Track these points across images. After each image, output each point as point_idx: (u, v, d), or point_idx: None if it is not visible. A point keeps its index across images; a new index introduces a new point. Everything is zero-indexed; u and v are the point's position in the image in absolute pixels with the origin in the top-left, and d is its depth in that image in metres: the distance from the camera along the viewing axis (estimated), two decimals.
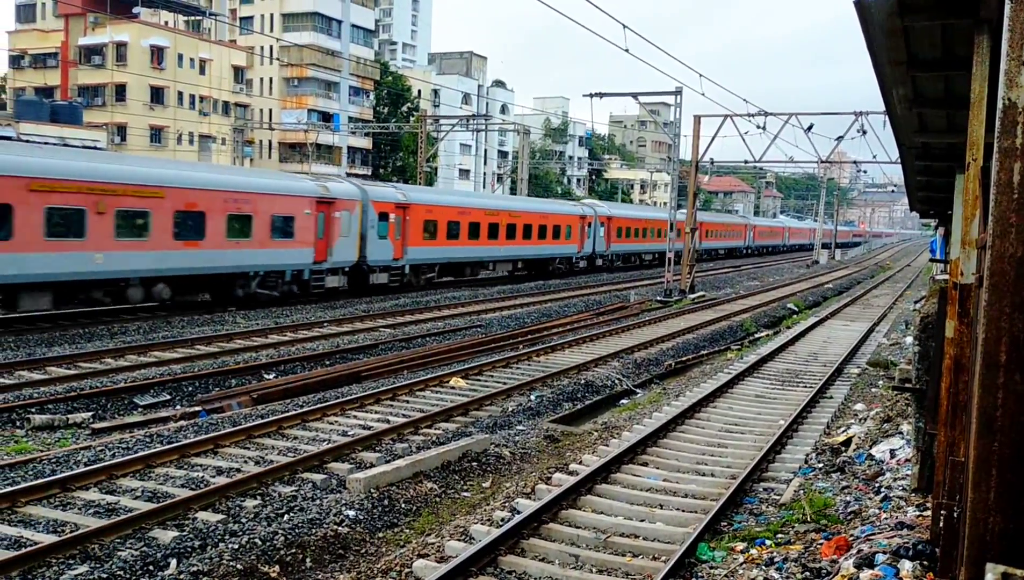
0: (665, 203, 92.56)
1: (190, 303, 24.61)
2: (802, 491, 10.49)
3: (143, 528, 8.90)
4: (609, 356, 20.78)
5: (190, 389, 15.81)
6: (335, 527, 9.18)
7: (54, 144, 22.39)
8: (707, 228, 67.13)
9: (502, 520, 9.44)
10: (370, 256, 30.29)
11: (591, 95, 36.81)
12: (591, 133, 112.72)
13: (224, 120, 67.68)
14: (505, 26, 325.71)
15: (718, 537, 9.12)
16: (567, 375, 18.51)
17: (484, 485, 11.29)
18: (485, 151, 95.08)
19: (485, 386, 17.09)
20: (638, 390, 18.92)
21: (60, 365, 16.89)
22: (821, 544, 8.27)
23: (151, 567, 7.98)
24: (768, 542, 8.68)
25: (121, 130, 61.31)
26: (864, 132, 35.52)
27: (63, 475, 10.15)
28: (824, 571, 7.51)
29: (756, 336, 27.18)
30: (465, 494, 10.94)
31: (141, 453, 11.22)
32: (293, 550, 8.58)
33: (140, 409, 14.60)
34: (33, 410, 13.58)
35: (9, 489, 9.59)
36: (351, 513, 9.58)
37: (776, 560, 8.03)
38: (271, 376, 17.32)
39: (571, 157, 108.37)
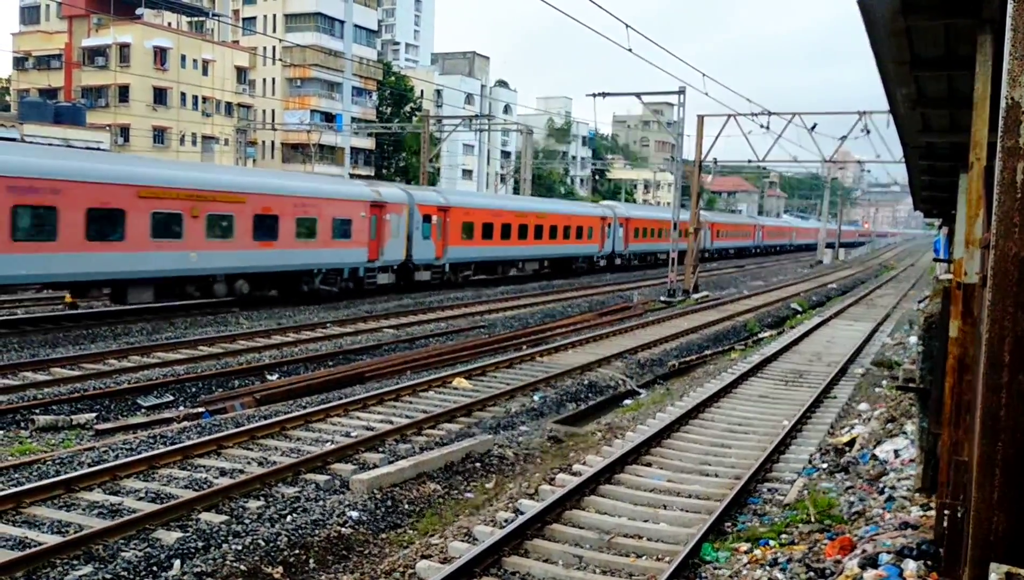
0: (669, 203, 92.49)
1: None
2: (806, 491, 10.48)
3: (147, 529, 8.91)
4: (613, 356, 20.77)
5: (193, 390, 15.83)
6: (338, 528, 9.18)
7: (59, 146, 22.52)
8: (719, 228, 69.50)
9: (505, 521, 9.44)
10: (415, 255, 32.43)
11: (594, 95, 36.86)
12: (594, 133, 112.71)
13: (227, 121, 67.76)
14: (508, 26, 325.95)
15: (722, 537, 9.11)
16: (571, 376, 18.50)
17: (487, 486, 11.28)
18: (488, 151, 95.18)
19: (488, 387, 17.08)
20: (642, 390, 18.90)
21: (64, 366, 16.91)
22: (825, 544, 8.26)
23: (155, 568, 7.99)
24: (772, 542, 8.67)
25: (124, 131, 61.40)
26: (868, 131, 35.55)
27: (67, 476, 10.16)
28: (828, 571, 7.50)
29: (760, 336, 27.16)
30: (468, 495, 10.94)
31: (145, 454, 11.23)
32: (296, 551, 8.59)
33: (144, 410, 14.62)
34: (37, 411, 13.60)
35: (14, 490, 9.60)
36: (354, 514, 9.58)
37: (780, 560, 8.02)
38: (274, 377, 17.34)
39: (574, 157, 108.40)
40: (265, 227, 25.70)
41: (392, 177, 74.87)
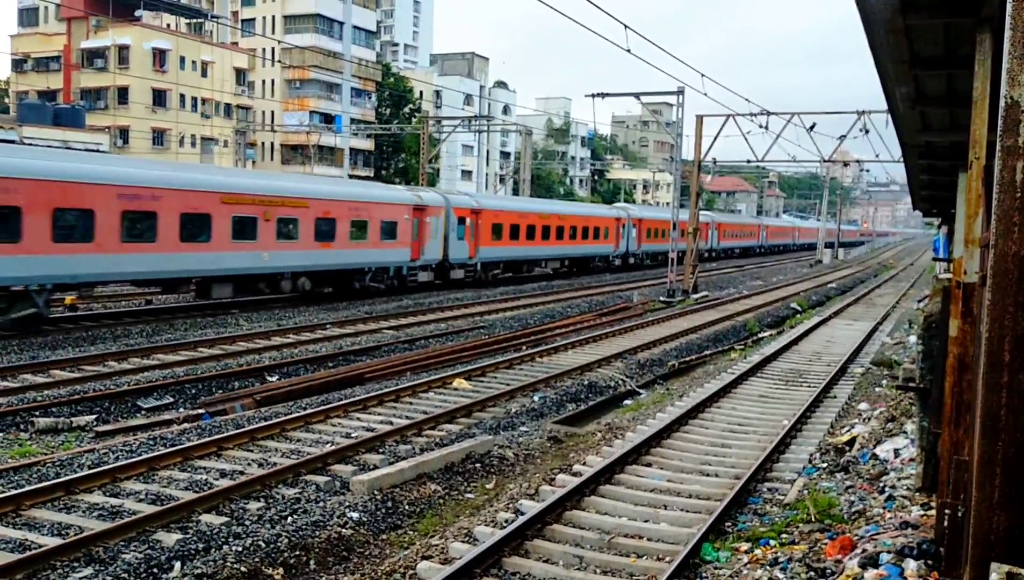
0: (668, 203, 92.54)
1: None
2: (806, 491, 10.48)
3: (147, 531, 8.91)
4: (612, 357, 20.77)
5: (193, 392, 15.82)
6: (339, 529, 9.18)
7: (58, 148, 22.80)
8: (725, 228, 72.54)
9: (506, 521, 9.43)
10: (451, 255, 34.92)
11: (593, 95, 36.85)
12: (593, 133, 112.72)
13: (226, 122, 67.74)
14: (506, 27, 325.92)
15: (722, 537, 9.11)
16: (570, 376, 18.50)
17: (488, 486, 11.28)
18: (487, 152, 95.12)
19: (488, 387, 17.08)
20: (642, 391, 18.90)
21: (63, 368, 16.91)
22: (825, 544, 8.26)
23: (155, 570, 7.99)
24: (772, 542, 8.67)
25: (123, 133, 61.39)
26: (867, 131, 35.51)
27: (67, 478, 10.16)
28: (829, 571, 7.49)
29: (759, 336, 27.16)
30: (469, 495, 10.94)
31: (145, 456, 11.23)
32: (297, 552, 8.59)
33: (143, 412, 14.62)
34: (37, 413, 13.60)
35: (13, 492, 9.61)
36: (355, 515, 9.58)
37: (780, 560, 8.02)
38: (274, 378, 17.33)
39: (573, 157, 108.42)
40: (325, 230, 28.11)
41: (391, 178, 74.83)
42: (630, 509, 10.01)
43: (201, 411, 14.44)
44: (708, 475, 11.56)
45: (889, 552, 7.13)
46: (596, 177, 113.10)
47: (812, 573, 7.58)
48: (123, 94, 62.04)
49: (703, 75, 29.07)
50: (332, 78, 72.92)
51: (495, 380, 17.86)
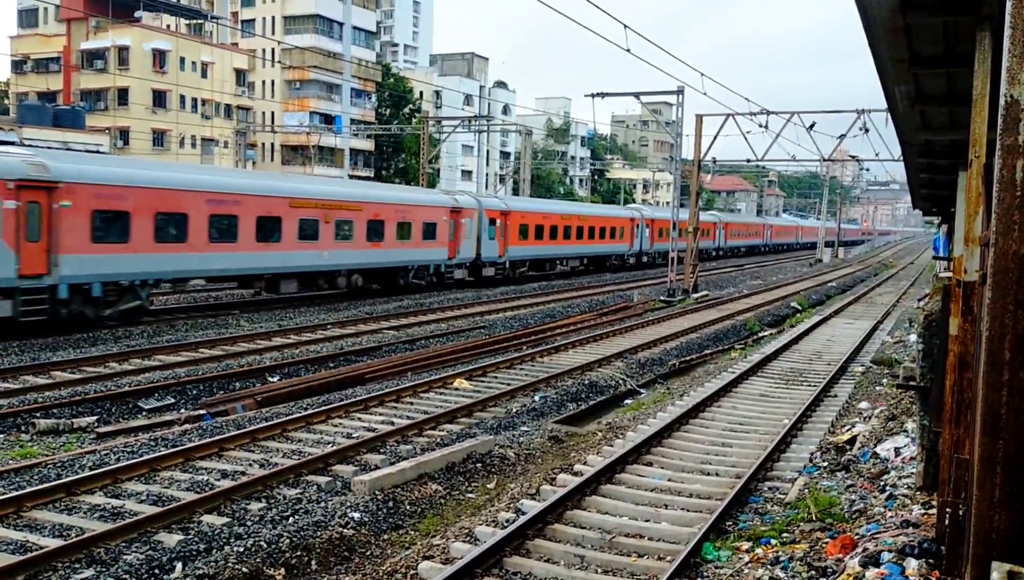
0: (668, 202, 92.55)
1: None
2: (807, 490, 10.48)
3: (148, 532, 8.91)
4: (613, 356, 20.77)
5: (194, 393, 15.82)
6: (340, 529, 9.18)
7: (58, 149, 23.07)
8: (731, 228, 75.52)
9: (507, 521, 9.44)
10: (483, 254, 37.45)
11: (593, 95, 36.86)
12: (593, 133, 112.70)
13: (226, 123, 67.73)
14: (506, 27, 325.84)
15: (723, 537, 9.11)
16: (571, 376, 18.50)
17: (489, 486, 11.28)
18: (487, 152, 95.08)
19: (489, 387, 17.08)
20: (642, 390, 18.90)
21: (64, 370, 16.91)
22: (827, 543, 8.26)
23: (157, 570, 7.99)
24: (773, 541, 8.67)
25: (124, 134, 61.38)
26: (866, 130, 35.50)
27: (68, 479, 10.16)
28: (830, 570, 7.50)
29: (760, 335, 27.16)
30: (470, 495, 10.94)
31: (146, 457, 11.24)
32: (298, 553, 8.59)
33: (145, 413, 14.62)
34: (38, 415, 13.60)
35: (15, 494, 9.61)
36: (356, 515, 9.58)
37: (782, 559, 8.02)
38: (275, 379, 17.33)
39: (573, 157, 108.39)
40: (375, 231, 30.60)
41: (391, 178, 74.83)
42: (631, 508, 10.01)
43: (202, 412, 14.44)
44: (709, 474, 11.57)
45: (890, 551, 7.14)
46: (596, 177, 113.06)
47: (813, 572, 7.58)
48: (123, 95, 62.03)
49: (703, 74, 29.08)
50: (332, 79, 72.91)
51: (496, 380, 17.86)
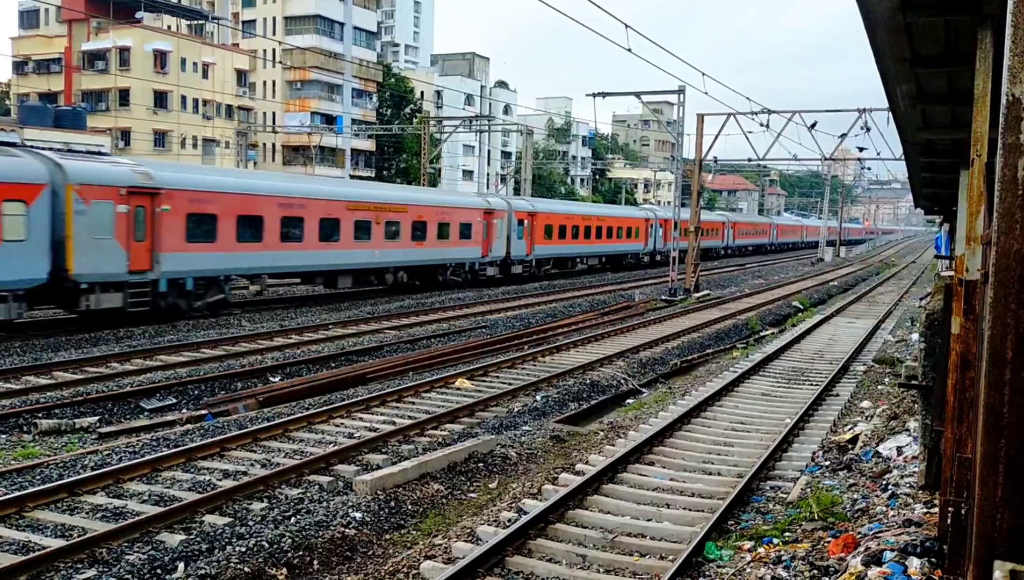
0: (670, 202, 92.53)
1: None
2: (809, 489, 10.47)
3: (151, 532, 8.92)
4: (614, 356, 20.77)
5: (196, 393, 15.83)
6: (342, 529, 9.18)
7: (60, 149, 23.18)
8: (739, 227, 78.51)
9: (509, 521, 9.44)
10: (513, 252, 39.92)
11: (594, 95, 36.83)
12: (594, 133, 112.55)
13: (228, 124, 67.74)
14: (507, 27, 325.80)
15: (725, 536, 9.11)
16: (573, 375, 18.50)
17: (490, 486, 11.28)
18: (488, 152, 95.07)
19: (491, 387, 17.09)
20: (644, 389, 18.90)
21: (66, 370, 16.92)
22: (829, 542, 8.26)
23: (159, 570, 8.00)
24: (776, 540, 8.67)
25: (125, 135, 61.40)
26: (868, 129, 35.42)
27: (70, 479, 10.18)
28: (832, 569, 7.50)
29: (761, 334, 27.15)
30: (472, 495, 10.94)
31: (148, 457, 11.25)
32: (300, 552, 8.59)
33: (146, 413, 14.63)
34: (40, 415, 13.61)
35: (17, 494, 9.63)
36: (358, 515, 9.58)
37: (784, 558, 8.02)
38: (277, 379, 17.34)
39: (574, 157, 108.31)
40: (419, 231, 33.09)
41: (392, 179, 74.81)
42: (633, 508, 10.01)
43: (204, 412, 14.45)
44: (711, 474, 11.56)
45: (892, 550, 7.13)
46: (597, 176, 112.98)
47: (815, 571, 7.58)
48: (124, 96, 62.05)
49: (704, 74, 29.03)
50: (333, 79, 72.90)
51: (497, 379, 17.87)
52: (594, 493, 10.39)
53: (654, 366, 20.93)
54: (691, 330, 26.12)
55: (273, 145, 72.99)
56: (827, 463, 11.86)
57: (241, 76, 70.59)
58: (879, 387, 17.43)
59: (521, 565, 8.32)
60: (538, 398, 16.37)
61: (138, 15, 63.87)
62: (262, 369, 17.74)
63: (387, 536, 9.43)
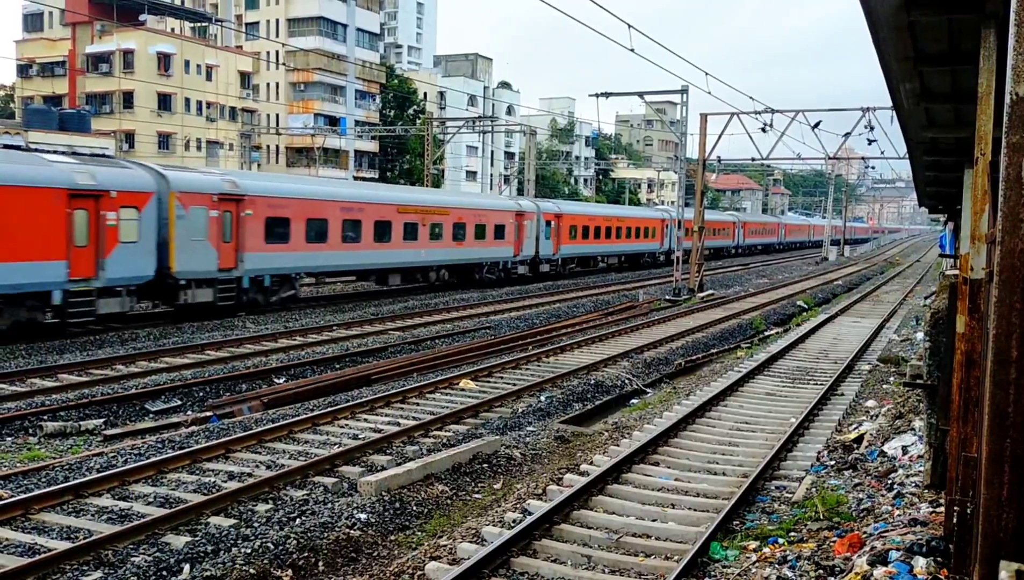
0: (673, 202, 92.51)
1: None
2: (814, 489, 10.46)
3: (156, 533, 8.93)
4: (619, 356, 20.75)
5: (201, 394, 15.85)
6: (347, 530, 9.19)
7: (63, 152, 23.44)
8: (749, 226, 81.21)
9: (514, 521, 9.44)
10: (541, 252, 42.19)
11: (597, 95, 36.80)
12: (597, 133, 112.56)
13: (231, 125, 67.84)
14: (510, 28, 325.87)
15: (731, 536, 9.10)
16: (577, 375, 18.49)
17: (495, 487, 11.29)
18: (492, 152, 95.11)
19: (495, 388, 17.09)
20: (648, 390, 18.88)
21: (71, 372, 16.96)
22: (834, 542, 8.25)
23: (164, 572, 8.01)
24: (781, 540, 8.66)
25: (129, 137, 61.54)
26: (871, 128, 35.36)
27: (76, 482, 10.19)
28: (838, 569, 7.48)
29: (766, 334, 27.11)
30: (476, 496, 10.94)
31: (153, 459, 11.26)
32: (305, 554, 8.60)
33: (151, 415, 14.65)
34: (45, 417, 13.64)
35: (23, 496, 9.65)
36: (363, 516, 9.59)
37: (789, 558, 8.01)
38: (281, 380, 17.36)
39: (578, 157, 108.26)
40: (459, 232, 35.42)
41: (396, 179, 74.85)
42: (638, 508, 10.00)
43: (209, 413, 14.47)
44: (716, 474, 11.55)
45: (898, 549, 7.12)
46: (600, 176, 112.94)
47: (821, 571, 7.57)
48: (128, 98, 62.18)
49: (707, 73, 29.00)
50: (336, 80, 72.97)
51: (502, 380, 17.86)
52: (599, 494, 10.39)
53: (658, 366, 20.92)
54: (695, 330, 26.10)
55: (277, 147, 73.07)
56: (832, 463, 11.84)
57: (245, 78, 70.69)
58: (884, 386, 17.40)
59: (526, 566, 8.32)
60: (542, 399, 16.37)
61: (141, 18, 64.04)
62: (266, 371, 17.76)
63: (392, 537, 9.44)
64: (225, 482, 10.74)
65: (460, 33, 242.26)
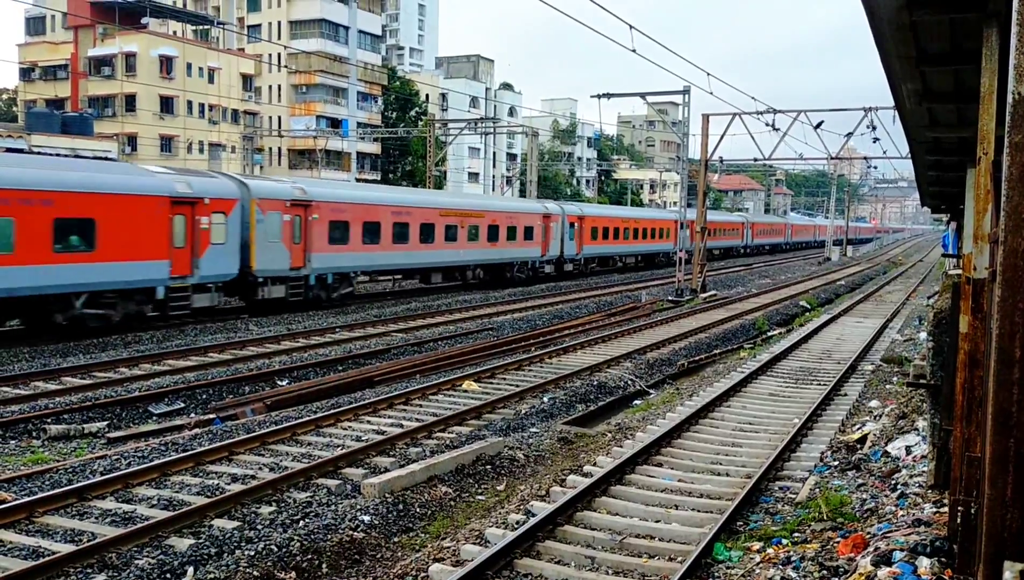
0: (676, 202, 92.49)
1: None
2: (818, 489, 10.45)
3: (160, 536, 8.94)
4: (622, 357, 20.75)
5: (204, 397, 15.87)
6: (350, 532, 9.19)
7: (66, 156, 23.80)
8: (758, 227, 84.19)
9: (517, 523, 9.43)
10: (566, 252, 44.54)
11: (599, 96, 36.79)
12: (599, 134, 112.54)
13: (234, 128, 67.95)
14: (511, 29, 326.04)
15: (734, 537, 9.09)
16: (580, 377, 18.49)
17: (498, 488, 11.28)
18: (494, 154, 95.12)
19: (498, 389, 17.09)
20: (651, 390, 18.87)
21: (75, 375, 16.98)
22: (838, 542, 8.23)
23: (168, 575, 8.02)
24: (785, 541, 8.65)
25: (132, 140, 61.65)
26: (874, 127, 35.33)
27: (80, 484, 10.21)
28: (841, 569, 7.47)
29: (769, 334, 27.08)
30: (480, 497, 10.94)
31: (156, 461, 11.27)
32: (309, 556, 8.60)
33: (155, 418, 14.66)
34: (49, 420, 13.66)
35: (27, 499, 9.66)
36: (366, 518, 9.59)
37: (793, 559, 8.00)
38: (284, 382, 17.37)
39: (580, 158, 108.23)
40: (493, 233, 37.86)
41: (398, 181, 74.88)
42: (641, 509, 10.00)
43: (212, 416, 14.48)
44: (719, 474, 11.54)
45: (902, 550, 7.11)
46: (603, 177, 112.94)
47: (825, 572, 7.56)
48: (131, 101, 62.31)
49: (709, 74, 29.00)
50: (338, 83, 73.04)
51: (504, 381, 17.86)
52: (602, 495, 10.38)
53: (661, 367, 20.91)
54: (698, 331, 26.09)
55: (279, 149, 73.17)
56: (836, 463, 11.82)
57: (247, 80, 70.80)
58: (887, 386, 17.38)
59: (530, 567, 8.32)
60: (545, 400, 16.37)
61: (144, 21, 64.18)
62: (269, 373, 17.77)
63: (395, 539, 9.44)
64: (228, 484, 10.74)
65: (462, 35, 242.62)
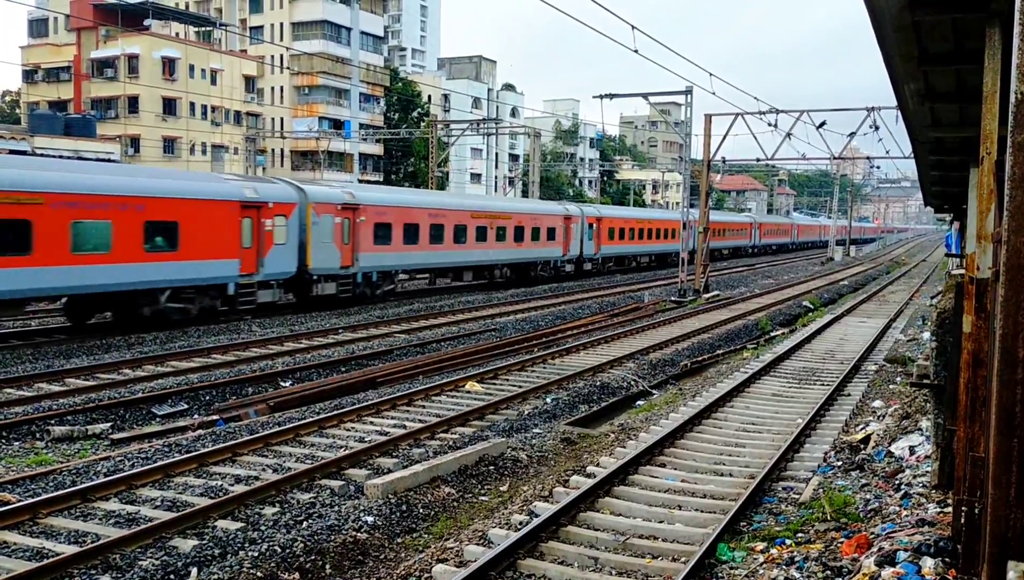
0: (678, 203, 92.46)
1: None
2: (821, 490, 10.43)
3: (163, 537, 8.95)
4: (624, 357, 20.74)
5: (207, 398, 15.88)
6: (354, 533, 9.20)
7: (69, 157, 24.33)
8: (765, 227, 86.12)
9: (520, 523, 9.43)
10: (584, 251, 46.48)
11: (601, 96, 36.73)
12: (602, 134, 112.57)
13: (236, 130, 68.04)
14: (514, 30, 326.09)
15: (738, 537, 9.09)
16: (582, 377, 18.48)
17: (501, 489, 11.28)
18: (496, 154, 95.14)
19: (501, 390, 17.08)
20: (654, 391, 18.86)
21: (78, 377, 17.00)
22: (842, 542, 8.23)
23: (172, 576, 8.02)
24: (788, 541, 8.64)
25: (134, 142, 61.74)
26: (876, 127, 35.29)
27: (83, 486, 10.22)
28: (845, 570, 7.47)
29: (772, 334, 27.06)
30: (483, 498, 10.95)
31: (160, 462, 11.28)
32: (312, 557, 8.61)
33: (158, 419, 14.68)
34: (52, 422, 13.68)
35: (30, 501, 9.67)
36: (369, 519, 9.60)
37: (797, 559, 7.99)
38: (287, 383, 17.38)
39: (582, 159, 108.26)
40: (519, 234, 39.78)
41: (401, 182, 74.91)
42: (644, 510, 9.99)
43: (215, 417, 14.49)
44: (722, 475, 11.53)
45: (906, 550, 7.10)
46: (605, 178, 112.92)
47: (828, 572, 7.55)
48: (133, 103, 62.41)
49: (711, 74, 28.99)
50: (341, 84, 73.11)
51: (507, 382, 17.86)
52: (605, 495, 10.38)
53: (664, 367, 20.89)
54: (701, 331, 26.07)
55: (281, 150, 73.24)
56: (839, 463, 11.81)
57: (249, 82, 70.89)
58: (891, 386, 17.36)
59: (533, 568, 8.32)
60: (548, 400, 16.36)
61: (146, 22, 64.28)
62: (273, 374, 17.79)
63: (399, 540, 9.45)
64: (232, 485, 10.75)
65: (464, 36, 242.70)
